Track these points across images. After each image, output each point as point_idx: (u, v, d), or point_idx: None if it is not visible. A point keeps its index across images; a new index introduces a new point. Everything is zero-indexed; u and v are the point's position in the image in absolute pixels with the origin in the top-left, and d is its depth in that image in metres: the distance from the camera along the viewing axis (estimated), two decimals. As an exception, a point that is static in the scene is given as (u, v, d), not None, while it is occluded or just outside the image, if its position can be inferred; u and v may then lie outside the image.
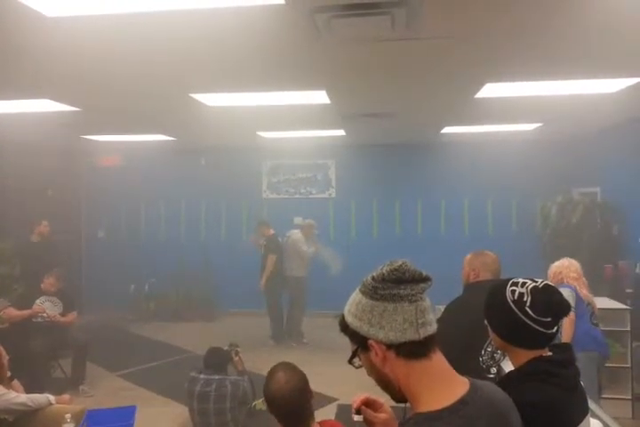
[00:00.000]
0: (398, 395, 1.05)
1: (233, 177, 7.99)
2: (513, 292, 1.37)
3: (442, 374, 1.02)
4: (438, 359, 1.02)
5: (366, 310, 1.03)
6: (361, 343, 1.05)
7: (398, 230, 7.76)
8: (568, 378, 1.35)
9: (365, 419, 1.23)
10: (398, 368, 1.02)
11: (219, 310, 7.74)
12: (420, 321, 1.00)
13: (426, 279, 1.04)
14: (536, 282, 1.39)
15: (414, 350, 1.00)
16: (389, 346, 1.00)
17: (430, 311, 1.03)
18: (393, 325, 1.00)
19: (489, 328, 1.45)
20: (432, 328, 1.02)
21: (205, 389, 3.51)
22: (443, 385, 1.00)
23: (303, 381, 2.01)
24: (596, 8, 2.41)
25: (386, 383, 1.06)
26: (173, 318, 7.57)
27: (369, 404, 1.25)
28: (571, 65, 3.41)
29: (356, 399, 1.25)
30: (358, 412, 1.23)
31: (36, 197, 6.87)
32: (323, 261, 6.61)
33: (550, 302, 1.35)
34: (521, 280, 1.40)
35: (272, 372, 2.04)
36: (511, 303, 1.36)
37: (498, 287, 1.43)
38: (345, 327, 1.08)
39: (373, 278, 1.04)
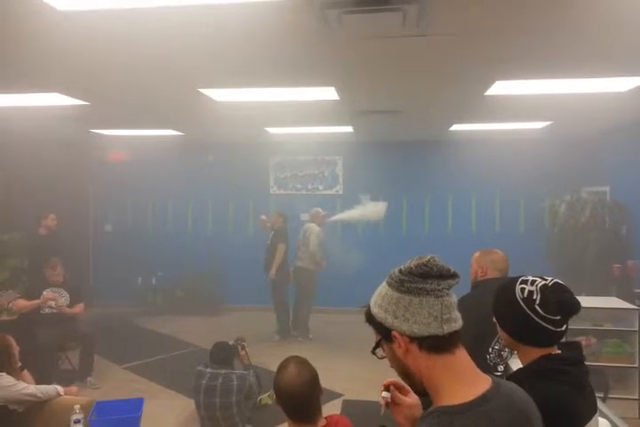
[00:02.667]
0: (420, 387, 1.06)
1: (240, 172, 7.99)
2: (522, 290, 1.38)
3: (464, 369, 1.03)
4: (461, 355, 1.03)
5: (392, 302, 1.04)
6: (385, 334, 1.06)
7: (405, 228, 7.75)
8: (577, 376, 1.35)
9: (392, 398, 1.25)
10: (421, 361, 1.03)
11: (224, 305, 7.77)
12: (444, 316, 1.01)
13: (453, 276, 1.04)
14: (546, 280, 1.39)
15: (437, 344, 1.01)
16: (413, 339, 1.02)
17: (455, 308, 1.04)
18: (417, 318, 1.01)
19: (497, 326, 1.45)
20: (457, 324, 1.03)
21: (212, 383, 3.53)
22: (465, 380, 1.01)
23: (314, 376, 2.01)
24: (609, 6, 2.39)
25: (408, 375, 1.07)
26: (179, 311, 7.61)
27: (398, 388, 1.27)
28: (582, 63, 3.38)
29: (386, 380, 1.28)
30: (387, 390, 1.25)
31: (44, 191, 6.91)
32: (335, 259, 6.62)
33: (560, 301, 1.34)
34: (530, 278, 1.40)
35: (283, 365, 2.04)
36: (520, 301, 1.36)
37: (507, 285, 1.43)
38: (370, 318, 1.09)
39: (400, 271, 1.05)
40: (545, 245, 6.47)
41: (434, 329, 1.01)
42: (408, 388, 1.26)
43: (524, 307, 1.35)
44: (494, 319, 1.46)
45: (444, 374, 1.02)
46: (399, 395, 1.26)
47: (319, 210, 6.62)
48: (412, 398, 1.26)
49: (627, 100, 4.41)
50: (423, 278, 1.02)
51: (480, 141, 7.18)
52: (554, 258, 6.22)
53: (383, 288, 1.08)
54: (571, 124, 5.93)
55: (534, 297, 1.35)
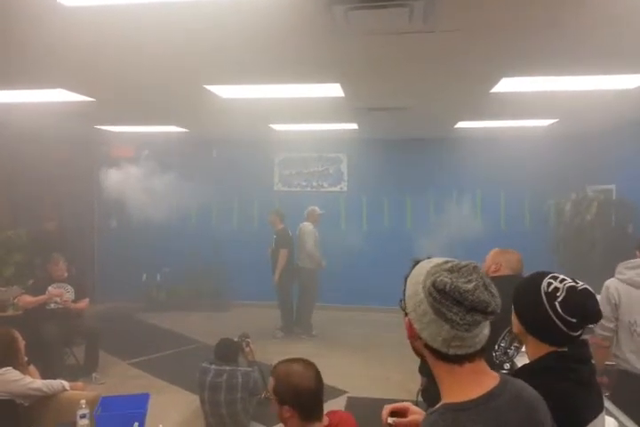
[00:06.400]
0: (426, 363, 1.07)
1: (245, 169, 7.99)
2: (549, 284, 1.36)
3: (468, 379, 1.01)
4: (468, 367, 1.01)
5: (417, 303, 1.02)
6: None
7: (410, 225, 7.74)
8: (583, 374, 1.35)
9: (397, 424, 1.26)
10: (429, 357, 1.05)
11: (229, 301, 7.79)
12: (453, 344, 0.99)
13: (487, 313, 0.98)
14: (577, 283, 1.37)
15: (442, 356, 1.01)
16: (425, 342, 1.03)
17: (474, 336, 0.99)
18: (430, 331, 1.00)
19: (513, 314, 1.44)
20: (470, 349, 1.00)
21: (216, 379, 3.54)
22: (470, 381, 1.01)
23: (317, 370, 2.00)
24: (617, 2, 2.37)
25: (416, 353, 1.09)
26: (184, 307, 7.64)
27: (397, 412, 1.27)
28: (588, 60, 3.36)
29: (384, 415, 1.27)
30: (392, 415, 1.27)
31: (49, 187, 6.94)
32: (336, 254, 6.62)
33: (581, 305, 1.33)
34: (561, 276, 1.39)
35: (289, 365, 1.99)
36: (543, 294, 1.35)
37: (535, 276, 1.42)
38: (404, 290, 1.08)
39: (434, 284, 0.99)
40: (550, 244, 6.44)
41: (439, 346, 1.00)
42: (405, 407, 1.27)
43: (545, 301, 1.34)
44: (512, 308, 1.44)
45: (447, 378, 1.02)
46: (401, 421, 1.25)
47: (315, 208, 6.61)
48: (415, 413, 1.26)
49: (633, 97, 4.38)
50: (451, 304, 0.97)
51: (485, 139, 7.15)
52: (559, 256, 6.20)
53: (417, 285, 1.04)
54: (576, 121, 5.90)
55: (558, 294, 1.33)
